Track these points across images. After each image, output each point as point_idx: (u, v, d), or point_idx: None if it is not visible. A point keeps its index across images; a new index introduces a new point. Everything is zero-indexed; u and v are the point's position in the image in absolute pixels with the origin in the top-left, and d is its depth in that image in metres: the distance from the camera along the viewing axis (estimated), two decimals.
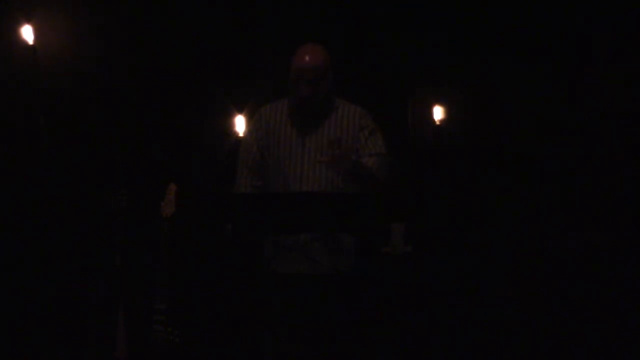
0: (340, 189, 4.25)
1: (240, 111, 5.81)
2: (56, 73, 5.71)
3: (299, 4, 5.84)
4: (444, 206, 5.76)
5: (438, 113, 5.84)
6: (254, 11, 5.85)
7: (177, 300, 5.07)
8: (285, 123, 4.33)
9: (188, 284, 5.54)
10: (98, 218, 5.46)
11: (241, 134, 5.69)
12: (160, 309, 4.99)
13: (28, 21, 5.65)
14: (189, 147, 5.80)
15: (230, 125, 5.81)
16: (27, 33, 5.64)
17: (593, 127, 5.68)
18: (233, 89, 5.84)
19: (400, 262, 5.54)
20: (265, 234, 4.31)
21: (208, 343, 5.59)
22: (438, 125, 5.83)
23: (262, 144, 4.34)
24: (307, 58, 4.21)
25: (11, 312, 5.52)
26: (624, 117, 5.64)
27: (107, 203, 5.21)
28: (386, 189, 4.27)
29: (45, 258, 5.60)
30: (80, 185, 5.67)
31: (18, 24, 5.65)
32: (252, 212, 4.00)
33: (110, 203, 5.20)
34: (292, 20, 5.78)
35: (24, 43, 5.65)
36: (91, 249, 5.57)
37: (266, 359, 4.36)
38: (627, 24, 5.64)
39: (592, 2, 5.69)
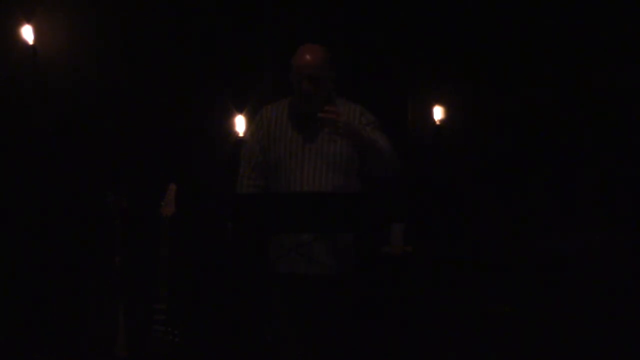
0: (342, 189, 4.25)
1: (240, 111, 5.81)
2: (56, 73, 5.71)
3: (300, 4, 5.84)
4: (444, 206, 5.76)
5: (438, 113, 5.84)
6: (255, 11, 5.85)
7: (177, 300, 5.07)
8: (286, 124, 4.34)
9: (188, 284, 5.54)
10: (98, 218, 5.46)
11: (241, 134, 5.69)
12: (160, 309, 5.00)
13: (28, 21, 5.65)
14: (189, 147, 5.80)
15: (230, 125, 5.82)
16: (27, 33, 5.65)
17: (592, 126, 5.68)
18: (233, 89, 5.84)
19: (400, 262, 5.54)
20: (267, 234, 4.31)
21: (208, 343, 5.59)
22: (438, 125, 5.84)
23: (264, 145, 4.35)
24: (307, 55, 4.24)
25: (11, 311, 5.52)
26: (624, 116, 5.65)
27: (107, 203, 5.22)
28: (394, 178, 4.29)
29: (45, 258, 5.60)
30: (81, 185, 5.67)
31: (18, 24, 5.66)
32: (253, 212, 4.00)
33: (110, 203, 5.21)
34: (293, 20, 5.78)
35: (24, 43, 5.66)
36: (91, 249, 5.57)
37: (266, 359, 4.36)
38: (628, 24, 5.65)
39: (592, 2, 5.69)
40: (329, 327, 4.23)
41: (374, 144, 4.19)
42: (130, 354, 5.12)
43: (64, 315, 5.52)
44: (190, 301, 5.50)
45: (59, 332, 5.48)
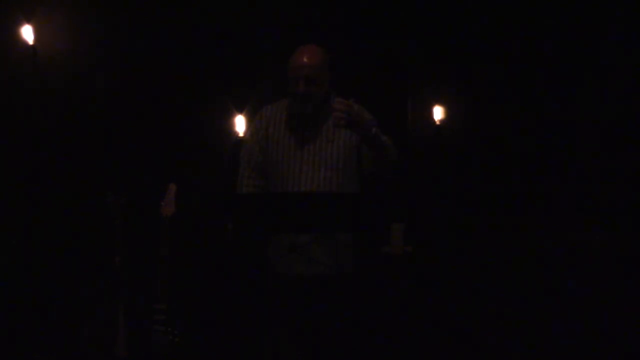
0: (339, 190, 4.25)
1: (240, 111, 5.81)
2: (56, 73, 5.71)
3: (300, 4, 5.84)
4: (444, 206, 5.76)
5: (438, 113, 5.84)
6: (255, 11, 5.85)
7: (177, 300, 5.07)
8: (284, 124, 4.34)
9: (188, 284, 5.54)
10: (98, 218, 5.46)
11: (241, 134, 5.69)
12: (160, 309, 5.00)
13: (28, 21, 5.65)
14: (189, 147, 5.79)
15: (230, 125, 5.82)
16: (27, 33, 5.65)
17: (592, 126, 5.69)
18: (233, 89, 5.84)
19: (400, 262, 5.54)
20: (266, 234, 4.31)
21: (208, 343, 5.59)
22: (438, 125, 5.84)
23: (263, 145, 4.35)
24: (304, 56, 4.23)
25: (11, 311, 5.52)
26: (623, 116, 5.65)
27: (107, 203, 5.22)
28: (395, 174, 4.28)
29: (45, 258, 5.60)
30: (80, 185, 5.67)
31: (18, 24, 5.66)
32: (253, 212, 4.00)
33: (110, 203, 5.21)
34: (292, 20, 5.78)
35: (24, 43, 5.66)
36: (91, 249, 5.57)
37: (266, 359, 4.36)
38: (629, 24, 5.65)
39: (592, 3, 5.69)
40: (329, 327, 4.23)
41: (379, 136, 4.17)
42: (130, 354, 5.12)
43: (64, 316, 5.51)
44: (190, 301, 5.50)
45: (59, 332, 5.48)
